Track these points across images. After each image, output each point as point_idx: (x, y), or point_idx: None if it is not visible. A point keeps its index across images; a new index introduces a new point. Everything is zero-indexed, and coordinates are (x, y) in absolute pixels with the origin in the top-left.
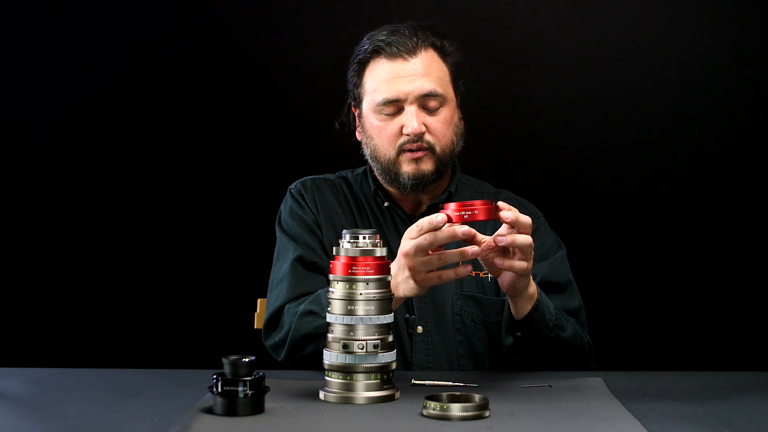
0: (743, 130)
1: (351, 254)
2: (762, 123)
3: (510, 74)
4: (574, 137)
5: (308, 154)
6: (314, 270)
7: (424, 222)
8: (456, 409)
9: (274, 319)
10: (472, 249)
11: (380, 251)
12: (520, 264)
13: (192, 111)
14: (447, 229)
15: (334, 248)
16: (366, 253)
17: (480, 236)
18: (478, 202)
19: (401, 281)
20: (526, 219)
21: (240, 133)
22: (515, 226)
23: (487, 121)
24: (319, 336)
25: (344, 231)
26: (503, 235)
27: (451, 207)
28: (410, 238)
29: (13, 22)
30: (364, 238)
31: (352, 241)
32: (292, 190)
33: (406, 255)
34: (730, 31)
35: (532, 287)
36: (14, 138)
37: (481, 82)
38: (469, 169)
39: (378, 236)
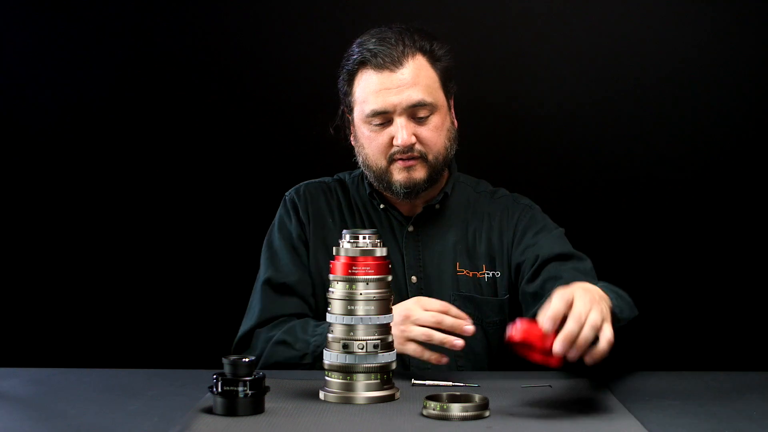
0: (743, 130)
1: (351, 254)
2: (762, 123)
3: (508, 74)
4: (572, 137)
5: (306, 154)
6: (283, 292)
7: (452, 309)
8: (456, 409)
9: (244, 342)
10: (459, 342)
11: (380, 251)
12: (600, 351)
13: (190, 113)
14: (455, 322)
15: (334, 248)
16: (366, 253)
17: (469, 329)
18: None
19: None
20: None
21: (238, 134)
22: (578, 351)
23: (485, 121)
24: (289, 365)
25: (344, 231)
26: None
27: (518, 327)
28: (425, 309)
29: (13, 23)
30: (364, 238)
31: (352, 241)
32: (286, 198)
33: (407, 318)
34: (729, 31)
35: (605, 308)
36: (14, 138)
37: (478, 82)
38: (467, 168)
39: (378, 236)
